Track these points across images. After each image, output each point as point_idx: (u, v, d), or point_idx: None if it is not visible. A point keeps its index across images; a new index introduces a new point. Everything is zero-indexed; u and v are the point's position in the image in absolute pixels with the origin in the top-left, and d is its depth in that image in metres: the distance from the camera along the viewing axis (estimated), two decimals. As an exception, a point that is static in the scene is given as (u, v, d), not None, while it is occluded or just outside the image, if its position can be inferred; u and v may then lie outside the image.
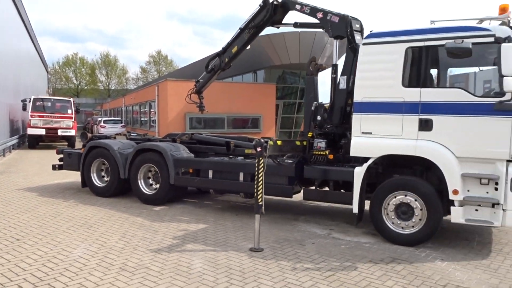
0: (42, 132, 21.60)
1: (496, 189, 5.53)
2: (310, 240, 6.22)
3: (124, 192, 9.11)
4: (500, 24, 5.70)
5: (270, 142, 6.03)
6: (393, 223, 6.10)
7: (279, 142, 6.40)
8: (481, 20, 5.94)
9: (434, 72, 5.96)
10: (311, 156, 6.96)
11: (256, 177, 5.71)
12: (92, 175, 9.31)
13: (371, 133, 6.30)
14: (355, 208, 6.29)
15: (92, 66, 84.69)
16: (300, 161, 6.98)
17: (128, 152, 8.80)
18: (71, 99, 23.37)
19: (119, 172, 8.79)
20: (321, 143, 6.90)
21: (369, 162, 6.24)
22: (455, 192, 5.63)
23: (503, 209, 5.48)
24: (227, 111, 23.53)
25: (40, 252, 5.38)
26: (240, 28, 9.42)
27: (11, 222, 6.87)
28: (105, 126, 29.29)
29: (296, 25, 8.97)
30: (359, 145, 6.36)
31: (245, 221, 7.22)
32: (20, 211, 7.63)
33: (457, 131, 5.73)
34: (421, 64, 5.97)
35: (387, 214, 6.13)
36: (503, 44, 5.24)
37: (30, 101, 22.08)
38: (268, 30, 10.10)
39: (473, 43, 5.48)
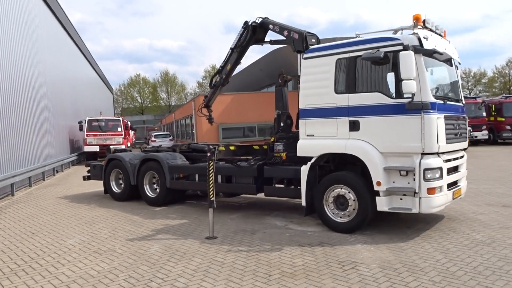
0: (96, 149, 24.36)
1: (415, 179, 6.20)
2: (264, 230, 7.24)
3: (138, 196, 10.61)
4: (412, 34, 6.38)
5: (221, 148, 7.17)
6: (333, 213, 6.93)
7: (232, 148, 7.52)
8: (396, 31, 6.65)
9: (359, 78, 6.73)
10: (271, 158, 7.98)
11: (207, 177, 6.89)
12: (111, 183, 11.01)
13: (313, 135, 7.21)
14: (303, 201, 7.21)
15: (153, 85, 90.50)
16: (263, 163, 8.04)
17: (136, 162, 10.36)
18: (120, 118, 26.09)
19: (130, 179, 10.37)
20: (279, 146, 7.90)
21: (312, 160, 7.13)
22: (378, 183, 6.38)
23: (419, 197, 6.14)
24: (258, 120, 24.82)
25: (44, 241, 6.98)
26: (231, 48, 10.69)
27: (36, 221, 8.65)
28: (155, 140, 31.90)
29: (271, 42, 10.08)
30: (303, 146, 7.29)
31: (225, 217, 8.39)
32: (47, 213, 9.46)
33: (379, 129, 6.48)
34: (348, 73, 6.81)
35: (328, 205, 6.97)
36: (401, 52, 5.97)
37: (85, 122, 24.99)
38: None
39: (385, 52, 6.26)
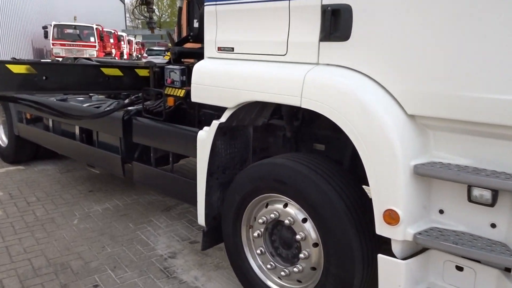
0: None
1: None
2: (112, 267, 3.06)
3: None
4: None
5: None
6: (262, 262, 2.62)
7: (17, 69, 2.88)
8: None
9: None
10: (156, 98, 3.52)
11: None
12: None
13: (232, 49, 2.66)
14: (200, 216, 2.88)
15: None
16: (136, 108, 3.61)
17: None
18: (94, 26, 21.31)
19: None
20: (175, 73, 3.37)
21: (224, 117, 2.68)
22: (390, 215, 1.92)
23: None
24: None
25: None
26: None
27: None
28: (146, 57, 27.31)
29: None
30: (203, 78, 2.78)
31: (80, 210, 4.25)
32: None
33: (404, 37, 1.88)
34: None
35: (252, 240, 2.65)
36: None
37: (52, 28, 20.48)
38: None
39: None
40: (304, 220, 2.30)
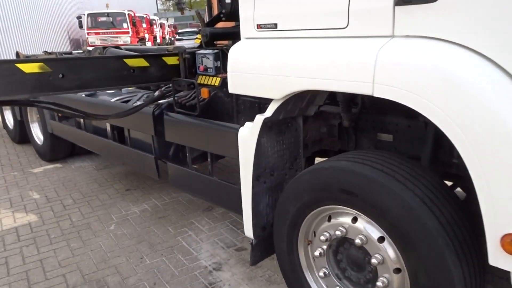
0: (100, 50, 20.21)
1: None
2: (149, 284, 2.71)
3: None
4: None
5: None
6: (326, 286, 2.16)
7: (29, 69, 2.43)
8: None
9: None
10: (188, 88, 3.06)
11: None
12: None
13: (276, 25, 2.14)
14: (246, 227, 2.45)
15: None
16: (167, 102, 3.18)
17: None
18: (126, 11, 21.13)
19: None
20: (208, 58, 2.89)
21: (269, 110, 2.19)
22: (510, 242, 1.39)
23: None
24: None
25: None
26: None
27: None
28: (181, 39, 26.98)
29: None
30: (242, 64, 2.28)
31: (118, 213, 3.96)
32: None
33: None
34: None
35: (314, 259, 2.18)
36: None
37: (85, 17, 20.52)
38: None
39: None
40: (381, 239, 1.80)
